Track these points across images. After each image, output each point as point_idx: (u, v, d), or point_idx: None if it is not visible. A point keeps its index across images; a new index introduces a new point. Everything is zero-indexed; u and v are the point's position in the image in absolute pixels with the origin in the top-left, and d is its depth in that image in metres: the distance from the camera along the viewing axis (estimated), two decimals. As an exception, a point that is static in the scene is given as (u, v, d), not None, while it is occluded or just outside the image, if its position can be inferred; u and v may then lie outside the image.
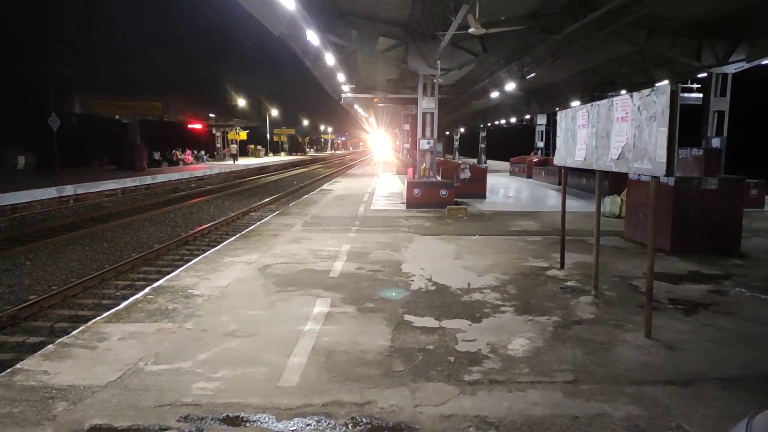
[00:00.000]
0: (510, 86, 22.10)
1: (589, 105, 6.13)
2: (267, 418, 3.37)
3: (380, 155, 69.82)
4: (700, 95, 20.46)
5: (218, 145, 52.45)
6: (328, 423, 3.32)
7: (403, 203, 15.03)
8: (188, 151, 43.57)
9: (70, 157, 29.77)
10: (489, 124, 46.35)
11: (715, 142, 15.80)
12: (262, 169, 41.71)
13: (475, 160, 41.57)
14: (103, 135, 35.57)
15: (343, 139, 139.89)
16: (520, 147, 39.46)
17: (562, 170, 7.41)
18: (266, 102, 63.88)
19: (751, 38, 14.93)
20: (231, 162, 45.42)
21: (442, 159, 25.51)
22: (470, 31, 10.57)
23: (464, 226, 11.33)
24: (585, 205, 14.40)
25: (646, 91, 4.72)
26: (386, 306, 5.71)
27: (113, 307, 5.74)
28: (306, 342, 4.63)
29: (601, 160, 5.73)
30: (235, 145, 50.80)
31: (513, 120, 41.21)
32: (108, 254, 10.93)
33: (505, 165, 34.58)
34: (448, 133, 60.03)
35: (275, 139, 75.97)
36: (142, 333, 4.84)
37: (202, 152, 47.36)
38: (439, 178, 16.11)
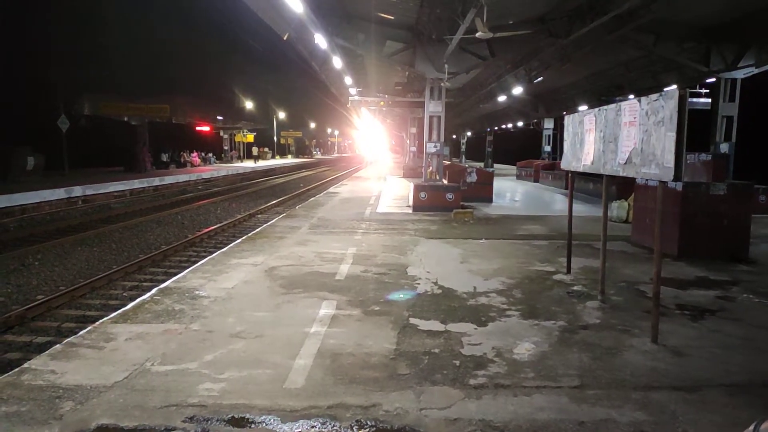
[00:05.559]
0: (517, 90, 22.08)
1: (596, 109, 6.12)
2: (272, 420, 3.37)
3: (380, 160, 68.86)
4: (709, 100, 20.42)
5: (225, 147, 52.76)
6: (333, 425, 3.32)
7: (409, 206, 15.02)
8: (195, 153, 43.78)
9: (79, 158, 29.97)
10: (496, 128, 46.32)
11: (724, 148, 15.73)
12: (269, 172, 41.86)
13: (481, 164, 41.52)
14: (111, 137, 35.81)
15: (350, 142, 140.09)
16: (527, 151, 39.38)
17: (569, 174, 7.39)
18: (273, 104, 64.14)
19: (760, 43, 14.85)
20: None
21: (449, 162, 25.48)
22: (478, 35, 10.59)
23: (470, 230, 11.32)
24: (592, 209, 14.34)
25: (654, 96, 4.71)
26: (392, 309, 5.71)
27: (120, 308, 5.77)
28: (311, 344, 4.64)
29: (609, 165, 5.71)
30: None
31: (520, 124, 41.16)
32: (115, 255, 11.00)
33: (512, 169, 34.50)
34: (454, 136, 60.04)
35: (282, 141, 76.15)
36: (149, 334, 4.86)
37: (210, 154, 47.59)
38: (445, 182, 16.11)
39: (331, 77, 24.33)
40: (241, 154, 56.20)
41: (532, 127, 39.55)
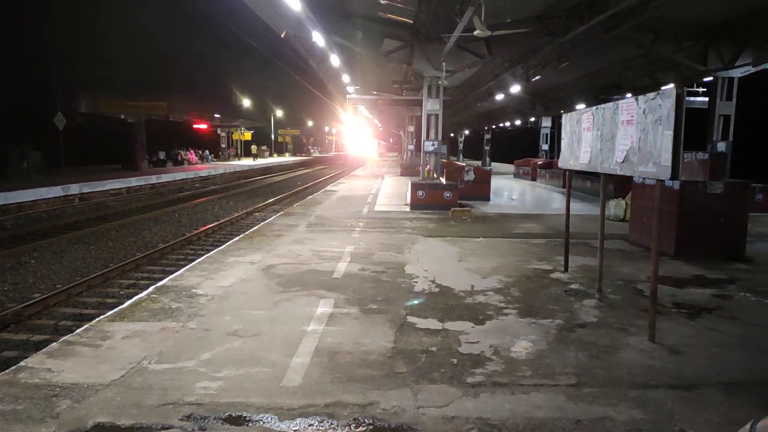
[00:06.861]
0: (515, 89, 22.09)
1: (594, 108, 6.12)
2: (269, 418, 3.37)
3: (377, 158, 68.81)
4: (706, 99, 20.44)
5: (223, 146, 52.71)
6: (331, 423, 3.32)
7: (406, 205, 15.02)
8: (191, 151, 43.66)
9: (76, 155, 29.87)
10: (493, 127, 46.35)
11: (721, 146, 15.76)
12: (267, 170, 41.82)
13: (479, 162, 41.52)
14: (108, 134, 35.68)
15: (347, 140, 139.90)
16: (525, 149, 39.40)
17: (567, 173, 7.39)
18: (271, 102, 64.03)
19: (757, 42, 14.87)
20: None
21: (447, 161, 25.48)
22: (475, 33, 10.57)
23: (468, 228, 11.32)
24: (589, 208, 14.36)
25: (651, 95, 4.71)
26: (389, 307, 5.71)
27: (117, 306, 5.76)
28: (309, 342, 4.63)
29: (606, 164, 5.71)
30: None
31: (518, 122, 41.18)
32: (112, 253, 10.97)
33: (510, 167, 34.53)
34: (452, 135, 60.06)
35: (279, 139, 76.06)
36: (146, 332, 4.85)
37: (207, 152, 47.48)
38: (443, 180, 16.11)
39: (329, 75, 24.30)
40: (239, 152, 56.19)
41: (529, 126, 39.58)
